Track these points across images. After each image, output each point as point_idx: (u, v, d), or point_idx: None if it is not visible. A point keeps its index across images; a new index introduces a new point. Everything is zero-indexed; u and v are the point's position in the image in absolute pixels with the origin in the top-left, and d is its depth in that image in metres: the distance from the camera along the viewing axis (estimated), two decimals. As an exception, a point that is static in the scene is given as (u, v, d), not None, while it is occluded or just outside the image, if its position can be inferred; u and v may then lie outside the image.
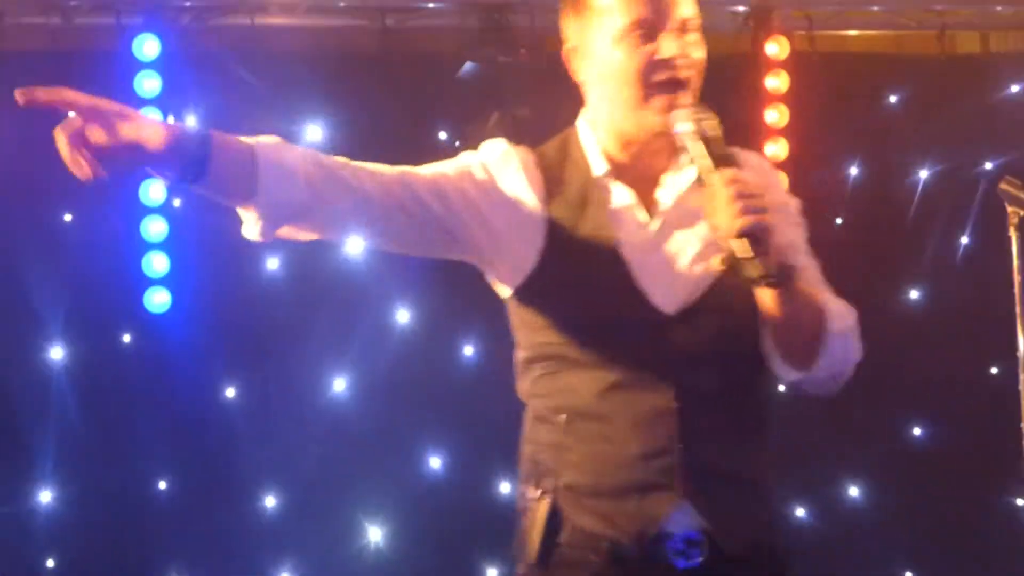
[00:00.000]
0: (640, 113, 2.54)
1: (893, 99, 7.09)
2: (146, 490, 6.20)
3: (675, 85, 2.50)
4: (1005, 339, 4.78)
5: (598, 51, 2.57)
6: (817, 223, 6.65)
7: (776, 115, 6.70)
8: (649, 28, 2.51)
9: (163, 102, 6.00)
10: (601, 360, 2.56)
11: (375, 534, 6.38)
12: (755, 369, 2.62)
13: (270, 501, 6.34)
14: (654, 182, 2.64)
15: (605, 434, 2.57)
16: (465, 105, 6.32)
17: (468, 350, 6.52)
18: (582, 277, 2.59)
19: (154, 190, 5.99)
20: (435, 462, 6.49)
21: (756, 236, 2.32)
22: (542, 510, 2.60)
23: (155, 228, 6.02)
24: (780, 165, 6.67)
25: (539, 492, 2.63)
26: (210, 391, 6.27)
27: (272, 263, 6.32)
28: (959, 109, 6.98)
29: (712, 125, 2.42)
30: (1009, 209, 4.51)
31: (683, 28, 2.52)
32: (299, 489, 6.31)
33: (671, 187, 2.63)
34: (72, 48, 6.30)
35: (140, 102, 5.96)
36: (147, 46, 5.99)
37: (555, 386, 2.63)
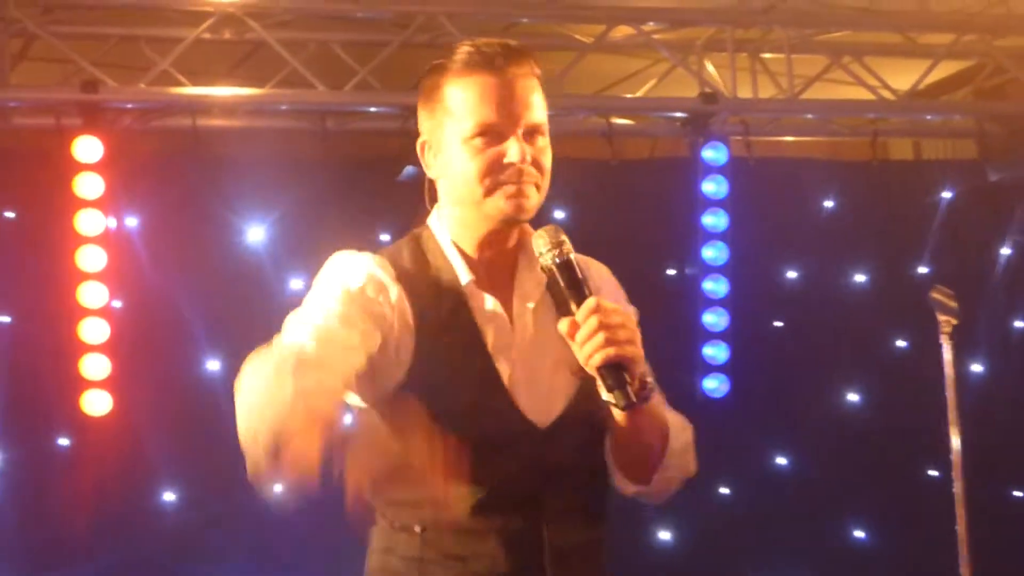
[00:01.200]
0: (482, 204, 2.52)
1: (829, 203, 7.21)
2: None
3: (520, 183, 2.50)
4: (941, 441, 4.84)
5: (446, 149, 2.55)
6: (757, 325, 6.76)
7: (713, 219, 6.78)
8: (496, 132, 2.49)
9: (103, 203, 5.98)
10: (473, 475, 2.45)
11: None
12: (607, 482, 2.63)
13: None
14: (509, 287, 2.61)
15: (474, 551, 2.51)
16: (405, 207, 6.33)
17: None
18: (455, 389, 2.52)
19: (93, 294, 5.95)
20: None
21: (621, 365, 2.34)
22: None
23: (93, 329, 5.96)
24: (719, 269, 6.75)
25: None
26: (149, 494, 6.18)
27: (212, 365, 6.29)
28: (893, 213, 7.11)
29: (569, 250, 2.44)
30: (940, 318, 4.58)
31: (531, 132, 2.52)
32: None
33: (525, 292, 2.61)
34: (10, 148, 6.30)
35: (79, 203, 5.94)
36: (87, 147, 5.97)
37: (420, 496, 2.51)
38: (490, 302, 2.57)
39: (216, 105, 6.39)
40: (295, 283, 6.43)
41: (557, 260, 2.42)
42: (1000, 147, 7.31)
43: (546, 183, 2.55)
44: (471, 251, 2.60)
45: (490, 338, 2.55)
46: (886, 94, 7.04)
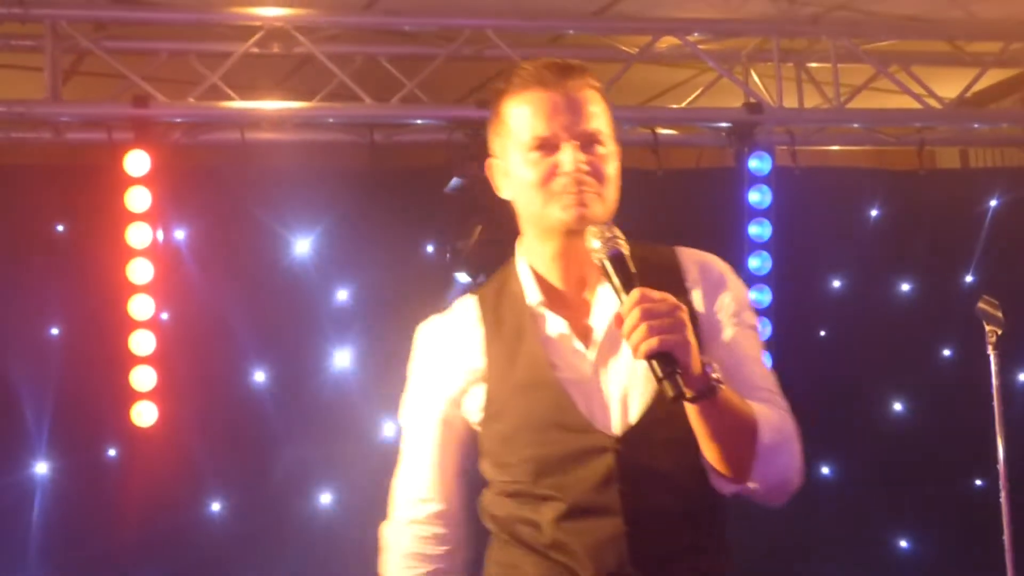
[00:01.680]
0: (543, 216, 2.58)
1: (875, 212, 7.19)
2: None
3: (578, 191, 2.54)
4: (987, 451, 4.82)
5: (511, 167, 2.63)
6: (801, 334, 6.73)
7: (759, 229, 6.77)
8: (551, 144, 2.55)
9: (153, 216, 6.04)
10: (554, 491, 2.58)
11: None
12: (704, 483, 2.59)
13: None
14: (586, 307, 2.66)
15: (561, 561, 2.58)
16: (451, 219, 6.39)
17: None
18: (524, 414, 2.62)
19: (142, 304, 6.02)
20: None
21: (667, 355, 2.32)
22: None
23: (142, 341, 6.03)
24: (763, 279, 6.74)
25: None
26: (196, 506, 6.24)
27: (259, 376, 6.35)
28: (940, 222, 7.08)
29: (620, 243, 2.46)
30: (987, 328, 4.58)
31: (588, 141, 2.56)
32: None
33: (602, 311, 2.64)
34: (63, 162, 6.38)
35: (130, 216, 6.01)
36: (137, 161, 6.04)
37: (516, 515, 2.65)
38: (557, 322, 2.64)
39: (264, 119, 6.44)
40: (341, 294, 6.49)
41: (607, 253, 2.44)
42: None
43: (610, 191, 2.59)
44: (544, 270, 2.68)
45: (557, 356, 2.62)
46: (933, 103, 7.02)
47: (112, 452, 6.21)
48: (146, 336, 6.02)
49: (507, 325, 2.68)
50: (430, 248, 6.62)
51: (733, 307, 2.67)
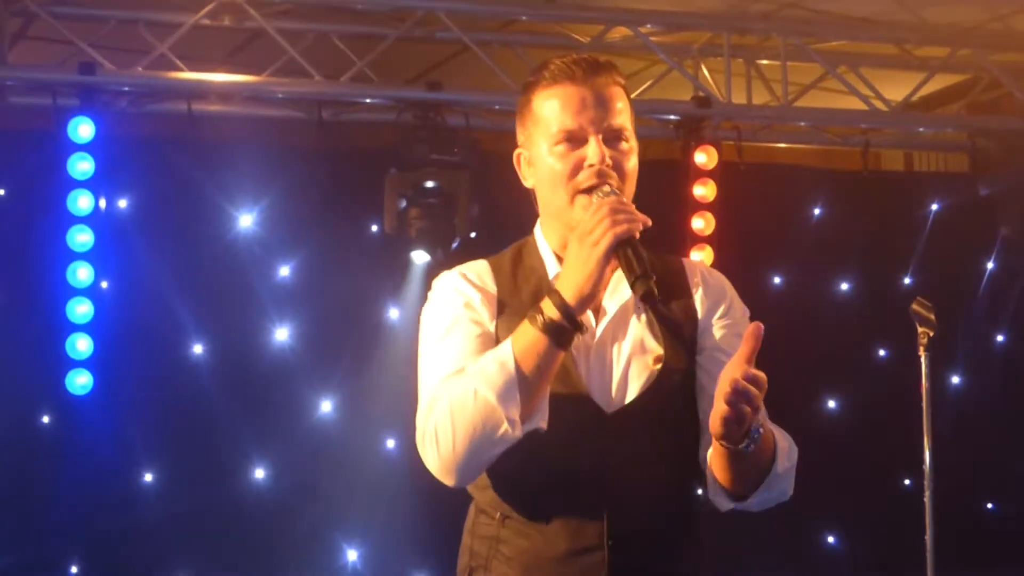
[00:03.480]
0: (567, 214, 2.63)
1: (817, 211, 7.25)
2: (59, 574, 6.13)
3: (597, 188, 2.57)
4: (917, 451, 4.88)
5: (537, 158, 2.68)
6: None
7: (702, 223, 6.81)
8: (578, 137, 2.62)
9: (95, 184, 6.00)
10: (541, 457, 2.59)
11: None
12: (688, 470, 2.66)
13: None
14: (602, 288, 2.68)
15: (538, 529, 2.63)
16: (397, 198, 6.40)
17: (390, 443, 6.53)
18: None
19: (81, 272, 5.98)
20: (352, 554, 6.47)
21: (632, 246, 2.43)
22: None
23: (80, 310, 6.00)
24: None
25: None
26: (130, 475, 6.22)
27: (198, 348, 6.34)
28: (881, 224, 7.14)
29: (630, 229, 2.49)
30: (920, 329, 4.63)
31: (613, 137, 2.62)
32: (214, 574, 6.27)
33: (618, 293, 2.69)
34: (6, 126, 6.33)
35: (73, 184, 5.98)
36: (82, 128, 6.01)
37: (496, 480, 2.67)
38: None
39: (212, 91, 6.42)
40: (283, 270, 6.48)
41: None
42: (991, 162, 7.32)
43: (630, 187, 2.64)
44: (564, 252, 2.66)
45: None
46: (879, 105, 7.08)
47: (46, 419, 6.18)
48: (85, 304, 5.99)
49: (524, 292, 2.72)
50: (374, 227, 6.62)
51: (731, 313, 2.73)
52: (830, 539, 7.11)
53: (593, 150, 2.60)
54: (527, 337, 2.49)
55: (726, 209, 6.82)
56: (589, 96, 2.62)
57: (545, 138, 2.65)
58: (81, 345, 5.97)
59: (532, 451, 2.55)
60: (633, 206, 2.51)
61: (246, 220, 6.40)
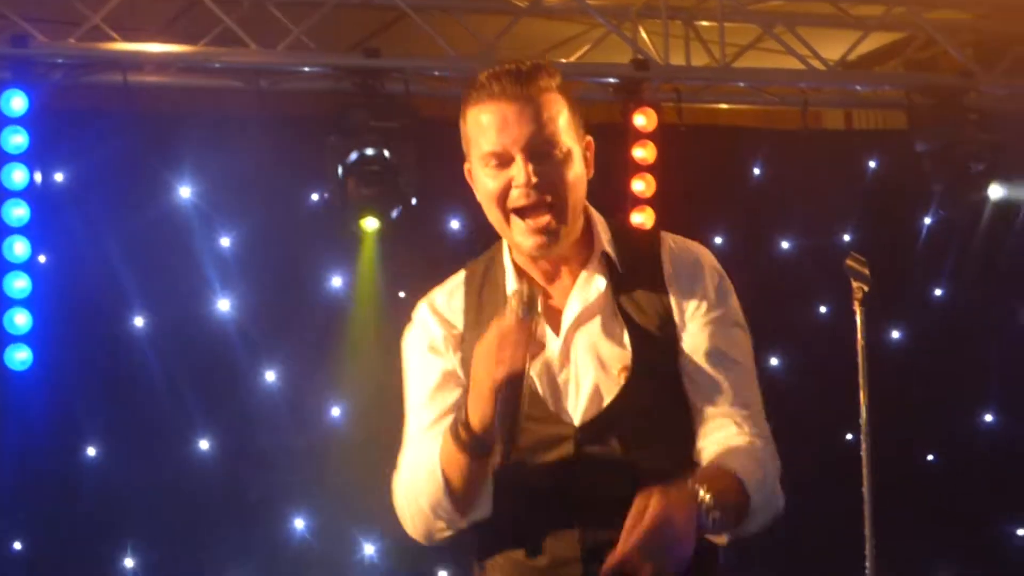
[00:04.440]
0: (508, 234, 2.65)
1: (758, 171, 7.28)
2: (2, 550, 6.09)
3: (528, 209, 2.59)
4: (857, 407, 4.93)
5: (475, 174, 2.67)
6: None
7: (643, 185, 6.82)
8: (504, 157, 2.58)
9: (30, 158, 5.95)
10: (518, 475, 2.61)
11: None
12: (660, 478, 2.55)
13: (128, 562, 6.26)
14: (563, 296, 2.71)
15: (520, 542, 2.67)
16: (337, 167, 6.38)
17: (335, 411, 6.52)
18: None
19: (17, 247, 5.93)
20: (299, 523, 6.47)
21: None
22: None
23: (18, 285, 5.95)
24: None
25: None
26: (72, 449, 6.19)
27: (138, 321, 6.30)
28: (821, 182, 7.18)
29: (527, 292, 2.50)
30: (854, 284, 4.67)
31: (541, 150, 2.58)
32: (158, 551, 6.24)
33: (577, 302, 2.69)
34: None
35: (6, 157, 5.92)
36: (15, 101, 5.94)
37: (491, 494, 2.68)
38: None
39: (148, 62, 6.37)
40: (223, 241, 6.44)
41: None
42: (928, 119, 7.38)
43: (572, 198, 2.61)
44: (523, 263, 2.73)
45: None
46: (817, 64, 7.11)
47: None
48: (22, 278, 5.94)
49: (486, 312, 2.70)
50: (315, 196, 6.60)
51: (705, 307, 2.69)
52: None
53: (517, 171, 2.57)
54: (449, 451, 2.56)
55: (666, 171, 6.82)
56: (512, 112, 2.57)
57: (477, 157, 2.64)
58: (19, 320, 5.92)
59: (505, 473, 2.59)
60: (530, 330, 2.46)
61: (186, 191, 6.36)
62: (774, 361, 7.17)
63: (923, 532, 6.86)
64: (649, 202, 6.82)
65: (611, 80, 6.98)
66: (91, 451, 6.25)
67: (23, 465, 5.99)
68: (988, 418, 7.53)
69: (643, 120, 6.86)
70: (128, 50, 6.24)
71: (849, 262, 4.60)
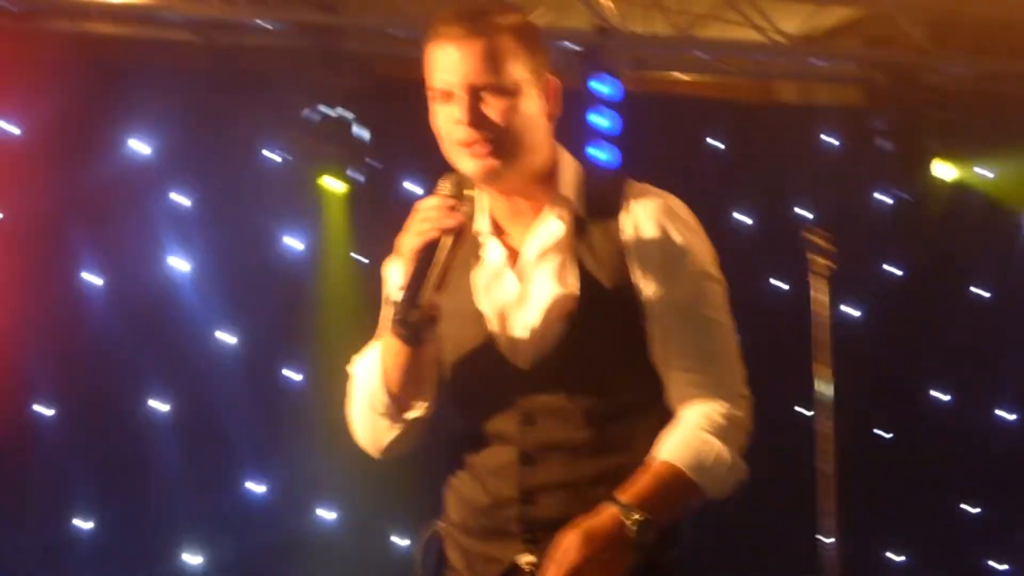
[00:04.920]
0: (454, 161, 2.67)
1: (715, 143, 7.27)
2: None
3: (469, 144, 2.63)
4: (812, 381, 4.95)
5: (431, 110, 2.71)
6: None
7: (599, 153, 6.79)
8: (449, 95, 2.63)
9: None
10: (469, 414, 2.70)
11: (192, 560, 6.30)
12: (606, 420, 2.65)
13: (79, 523, 6.20)
14: (523, 235, 2.74)
15: (468, 481, 2.72)
16: (294, 125, 6.32)
17: (297, 377, 6.45)
18: (451, 334, 2.71)
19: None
20: (257, 488, 6.43)
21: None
22: (420, 544, 2.80)
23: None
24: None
25: (432, 526, 2.80)
26: (25, 407, 6.10)
27: (90, 279, 6.21)
28: (778, 156, 7.19)
29: (447, 219, 2.57)
30: (813, 258, 4.68)
31: (481, 92, 2.61)
32: (109, 513, 6.18)
33: (535, 242, 2.72)
34: None
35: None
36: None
37: (448, 434, 2.77)
38: (497, 250, 2.74)
39: (102, 11, 6.26)
40: (177, 197, 6.36)
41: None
42: (885, 96, 7.39)
43: (516, 138, 2.63)
44: (491, 201, 2.77)
45: (489, 283, 2.72)
46: (777, 37, 7.11)
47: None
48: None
49: (460, 248, 2.68)
50: (270, 154, 6.52)
51: (665, 261, 2.68)
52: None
53: (459, 109, 2.61)
54: (385, 340, 2.67)
55: (623, 139, 6.81)
56: (458, 49, 2.60)
57: (429, 91, 2.67)
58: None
59: (466, 415, 2.71)
60: (448, 208, 2.57)
61: (140, 146, 6.27)
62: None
63: (877, 509, 6.91)
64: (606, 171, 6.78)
65: (568, 45, 6.93)
66: (45, 411, 6.16)
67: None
68: (940, 395, 7.60)
69: (601, 87, 6.82)
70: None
71: (805, 234, 4.60)
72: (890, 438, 7.50)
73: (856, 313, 7.39)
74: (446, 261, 2.56)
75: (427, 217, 2.56)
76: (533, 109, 2.65)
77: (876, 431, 7.45)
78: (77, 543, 6.19)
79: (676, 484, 2.57)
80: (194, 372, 6.30)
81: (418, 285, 2.53)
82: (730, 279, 7.28)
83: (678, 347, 2.66)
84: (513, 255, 2.73)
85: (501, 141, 2.61)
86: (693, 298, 2.69)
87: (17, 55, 6.12)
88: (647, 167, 6.68)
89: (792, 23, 7.17)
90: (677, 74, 7.62)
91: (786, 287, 7.19)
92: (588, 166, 2.81)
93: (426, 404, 2.72)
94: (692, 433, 2.60)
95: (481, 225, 2.75)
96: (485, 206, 2.76)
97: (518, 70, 2.63)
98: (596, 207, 2.70)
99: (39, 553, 6.07)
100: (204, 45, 6.45)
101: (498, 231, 2.75)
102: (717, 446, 2.61)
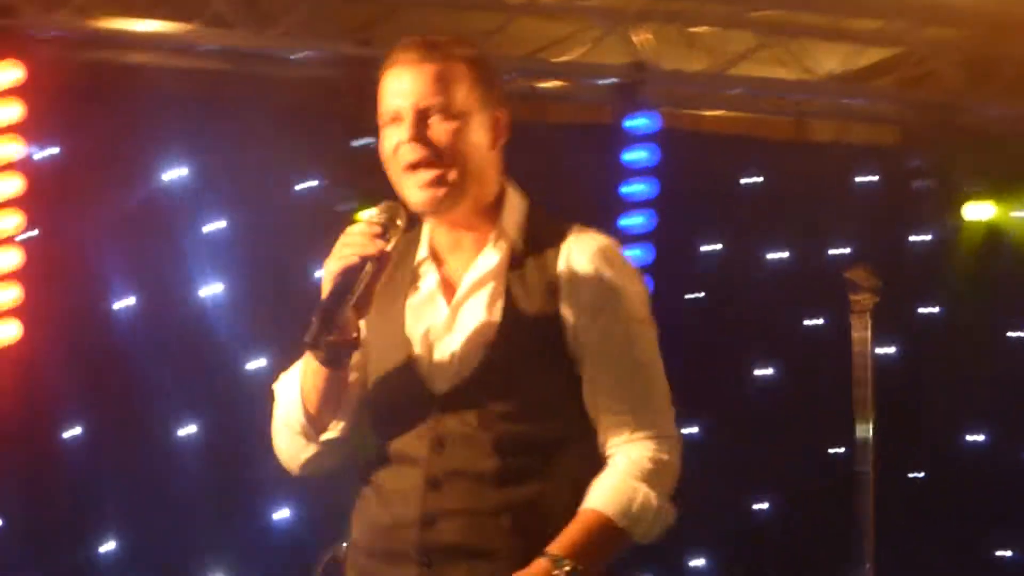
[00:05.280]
0: (402, 193, 2.71)
1: (749, 180, 7.26)
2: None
3: (416, 165, 2.66)
4: (847, 421, 4.91)
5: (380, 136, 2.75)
6: (672, 297, 6.78)
7: (634, 189, 6.79)
8: (398, 117, 2.67)
9: (24, 130, 5.86)
10: (384, 435, 2.73)
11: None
12: (516, 452, 2.66)
13: (109, 545, 6.16)
14: (464, 267, 2.76)
15: (374, 502, 2.74)
16: (331, 156, 6.34)
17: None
18: (378, 357, 2.77)
19: (6, 221, 5.84)
20: (284, 513, 6.41)
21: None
22: (319, 567, 2.86)
23: (7, 258, 5.85)
24: (636, 238, 6.76)
25: (333, 549, 2.85)
26: (56, 427, 6.09)
27: (125, 303, 6.21)
28: (813, 194, 7.18)
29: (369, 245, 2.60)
30: (851, 297, 4.66)
31: (434, 113, 2.65)
32: (137, 535, 6.16)
33: (472, 273, 2.75)
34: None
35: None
36: (8, 72, 5.85)
37: (363, 455, 2.81)
38: (432, 277, 2.78)
39: (137, 40, 6.28)
40: (214, 226, 6.36)
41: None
42: (920, 136, 7.38)
43: (465, 160, 2.67)
44: (432, 228, 2.81)
45: (421, 310, 2.75)
46: (813, 76, 7.10)
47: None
48: (11, 252, 5.85)
49: (397, 275, 2.79)
50: (308, 184, 6.53)
51: (597, 304, 2.70)
52: (758, 506, 7.14)
53: (404, 129, 2.65)
54: (304, 361, 2.72)
55: (657, 176, 6.80)
56: (410, 77, 2.66)
57: (380, 118, 2.72)
58: (7, 294, 5.84)
59: (380, 436, 2.74)
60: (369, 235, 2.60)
61: (176, 173, 6.28)
62: (764, 372, 7.15)
63: (911, 551, 6.85)
64: (639, 207, 6.79)
65: (605, 81, 6.94)
66: (75, 432, 6.14)
67: (4, 442, 5.89)
68: (978, 437, 7.54)
69: (636, 123, 6.82)
70: (118, 28, 6.15)
71: (848, 274, 4.59)
72: (924, 478, 7.44)
73: (887, 351, 7.35)
74: (368, 286, 2.60)
75: (349, 242, 2.59)
76: (480, 138, 2.70)
77: (908, 471, 7.38)
78: (106, 567, 6.17)
79: (604, 532, 2.61)
80: (227, 396, 6.28)
81: (332, 308, 2.55)
82: (762, 316, 7.30)
83: (607, 389, 2.69)
84: (448, 285, 2.75)
85: (448, 164, 2.65)
86: (623, 340, 2.70)
87: (57, 83, 6.15)
88: (682, 203, 6.78)
89: (829, 63, 7.16)
90: (708, 112, 7.61)
91: (819, 322, 7.15)
92: (541, 208, 2.82)
93: (341, 425, 2.76)
94: (620, 480, 2.64)
95: (421, 253, 2.80)
96: (426, 235, 2.80)
97: (467, 97, 2.68)
98: (535, 242, 2.73)
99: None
100: (241, 75, 6.47)
101: (437, 261, 2.79)
102: (644, 491, 2.64)
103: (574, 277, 2.69)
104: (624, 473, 2.64)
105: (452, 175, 2.65)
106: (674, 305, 6.84)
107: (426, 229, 2.80)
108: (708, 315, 6.98)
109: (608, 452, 2.68)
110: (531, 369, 2.67)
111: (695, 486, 7.02)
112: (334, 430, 2.76)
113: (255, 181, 6.34)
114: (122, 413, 6.14)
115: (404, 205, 2.69)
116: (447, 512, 2.63)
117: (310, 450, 2.78)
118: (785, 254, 7.29)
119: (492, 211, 2.75)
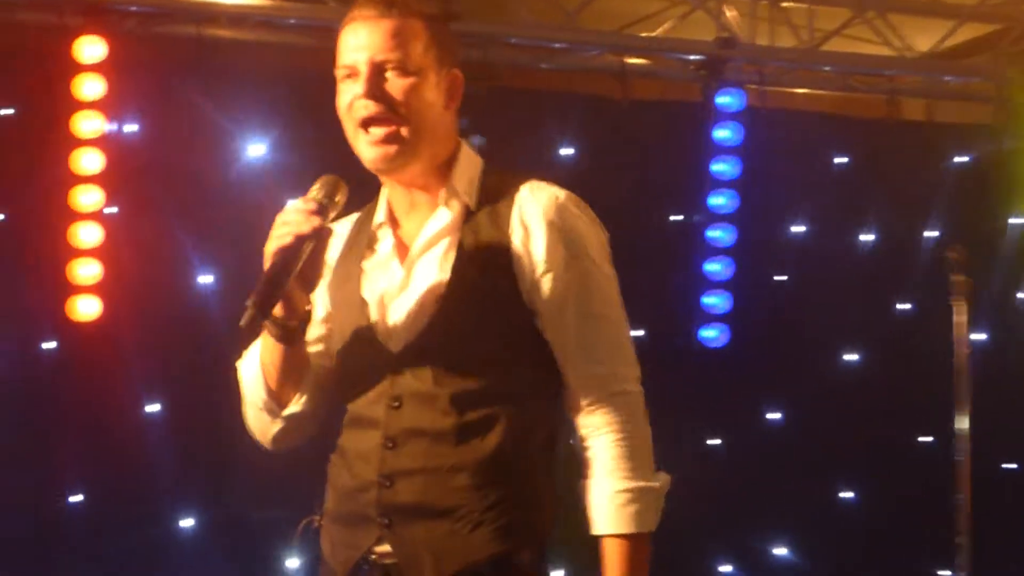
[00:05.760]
0: (357, 150, 2.73)
1: (839, 159, 7.12)
2: (60, 504, 6.02)
3: (371, 120, 2.67)
4: (937, 408, 4.80)
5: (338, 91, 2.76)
6: (759, 277, 6.65)
7: (723, 167, 6.68)
8: (354, 71, 2.68)
9: (105, 106, 5.86)
10: (347, 399, 2.76)
11: (292, 562, 6.27)
12: (472, 408, 2.63)
13: (188, 522, 6.18)
14: (419, 228, 2.77)
15: (339, 465, 2.76)
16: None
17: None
18: (338, 323, 2.81)
19: (87, 198, 5.84)
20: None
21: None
22: (296, 536, 2.85)
23: (87, 235, 5.86)
24: (724, 217, 6.66)
25: (308, 518, 2.85)
26: (136, 403, 6.10)
27: (205, 279, 6.20)
28: (904, 174, 7.03)
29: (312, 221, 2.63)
30: (952, 278, 4.55)
31: (389, 69, 2.66)
32: (221, 509, 6.17)
33: (425, 232, 2.74)
34: (12, 43, 6.15)
35: (78, 104, 5.82)
36: (89, 48, 5.84)
37: (309, 395, 2.84)
38: (388, 241, 2.79)
39: (222, 14, 6.26)
40: (292, 200, 6.32)
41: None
42: (1016, 114, 7.20)
43: (419, 116, 2.66)
44: (390, 192, 2.83)
45: (377, 273, 2.77)
46: (906, 52, 6.94)
47: (49, 346, 6.04)
48: (91, 228, 5.85)
49: (357, 241, 2.85)
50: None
51: (550, 257, 2.67)
52: (844, 493, 7.02)
53: (361, 82, 2.66)
54: (263, 339, 2.77)
55: (748, 154, 6.69)
56: (365, 32, 2.67)
57: (337, 75, 2.73)
58: (87, 270, 5.84)
59: (343, 392, 2.77)
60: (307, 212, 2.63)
61: (258, 149, 6.25)
62: (851, 356, 7.03)
63: (1005, 542, 6.71)
64: (728, 185, 6.68)
65: (694, 57, 6.83)
66: (155, 407, 6.15)
67: (86, 419, 5.91)
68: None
69: (726, 100, 6.71)
70: (202, 1, 6.15)
71: (949, 254, 4.48)
72: (1018, 468, 7.28)
73: (979, 337, 7.18)
74: (309, 262, 2.60)
75: (285, 221, 2.62)
76: (434, 96, 2.69)
77: (999, 461, 7.22)
78: (185, 542, 6.19)
79: (633, 549, 2.62)
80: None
81: (267, 290, 2.54)
82: (850, 300, 7.16)
83: (562, 344, 2.67)
84: (403, 246, 2.76)
85: (403, 119, 2.64)
86: (579, 292, 2.68)
87: (139, 58, 6.14)
88: (770, 182, 6.65)
89: (922, 39, 7.00)
90: (800, 89, 7.47)
91: (908, 307, 7.01)
92: (497, 167, 2.80)
93: (304, 399, 2.79)
94: (611, 490, 2.62)
95: (378, 218, 2.82)
96: (384, 199, 2.82)
97: (424, 55, 2.67)
98: (489, 197, 2.73)
99: (149, 552, 6.09)
100: (327, 50, 6.41)
101: (394, 223, 2.80)
102: (637, 486, 2.63)
103: (527, 229, 2.67)
104: (610, 476, 2.63)
105: (405, 131, 2.65)
106: (759, 287, 6.74)
107: (384, 193, 2.83)
108: (793, 298, 6.85)
109: (574, 418, 2.68)
110: (485, 324, 2.65)
111: (777, 470, 6.94)
112: (296, 404, 2.80)
113: (339, 158, 6.29)
114: (202, 389, 6.12)
115: (343, 180, 2.73)
116: (405, 472, 2.63)
117: (277, 426, 2.83)
118: (874, 236, 7.13)
119: (446, 171, 2.75)
